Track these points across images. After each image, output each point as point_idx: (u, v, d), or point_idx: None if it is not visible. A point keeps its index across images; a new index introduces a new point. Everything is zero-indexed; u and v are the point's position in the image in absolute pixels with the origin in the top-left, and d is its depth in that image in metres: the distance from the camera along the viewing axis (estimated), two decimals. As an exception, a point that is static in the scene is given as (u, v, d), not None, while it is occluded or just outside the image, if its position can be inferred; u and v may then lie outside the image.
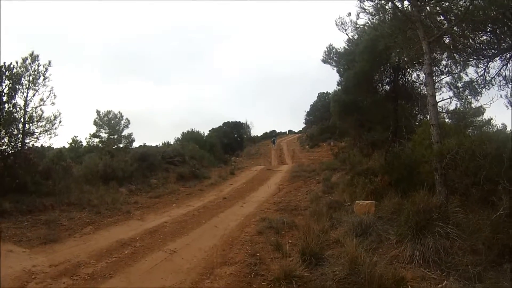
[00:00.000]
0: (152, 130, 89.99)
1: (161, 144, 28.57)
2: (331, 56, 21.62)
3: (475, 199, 6.55)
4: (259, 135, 60.02)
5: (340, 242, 6.44)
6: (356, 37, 18.15)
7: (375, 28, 13.71)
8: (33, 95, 11.34)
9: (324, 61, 21.93)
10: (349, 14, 13.87)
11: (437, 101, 8.03)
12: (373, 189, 9.13)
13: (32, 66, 11.31)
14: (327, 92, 46.05)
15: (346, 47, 19.74)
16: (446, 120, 11.85)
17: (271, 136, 57.69)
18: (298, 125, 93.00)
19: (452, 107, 12.61)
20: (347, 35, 18.17)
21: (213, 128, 41.84)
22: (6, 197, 9.09)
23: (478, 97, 10.25)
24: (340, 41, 53.29)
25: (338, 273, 5.07)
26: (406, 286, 4.55)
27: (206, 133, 36.30)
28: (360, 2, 10.17)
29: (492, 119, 15.78)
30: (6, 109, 10.08)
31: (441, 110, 9.80)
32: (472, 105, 11.03)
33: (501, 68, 9.18)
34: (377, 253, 5.81)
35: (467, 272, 4.76)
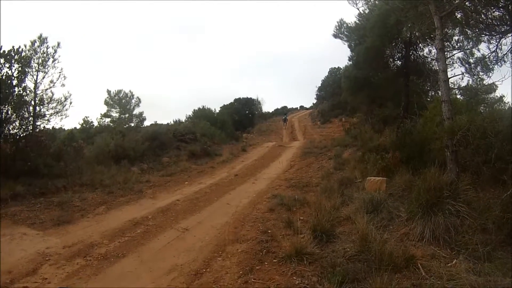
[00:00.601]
0: (163, 108, 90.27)
1: (172, 122, 28.60)
2: (342, 31, 21.28)
3: (486, 178, 6.51)
4: (270, 111, 59.52)
5: (351, 219, 6.46)
6: (367, 11, 17.92)
7: (386, 2, 13.50)
8: (43, 78, 11.47)
9: (335, 35, 21.59)
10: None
11: (449, 77, 7.92)
12: (384, 166, 9.09)
13: (41, 49, 11.37)
14: (338, 67, 45.55)
15: (357, 21, 19.46)
16: (458, 96, 11.73)
17: (283, 112, 56.73)
18: (309, 100, 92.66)
19: (464, 83, 12.51)
20: (358, 9, 18.01)
21: (224, 105, 41.67)
22: (19, 180, 9.18)
23: (490, 74, 10.15)
24: (351, 16, 52.56)
25: (348, 250, 5.10)
26: (416, 264, 4.55)
27: (217, 110, 36.22)
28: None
29: (504, 96, 15.67)
30: (16, 92, 10.12)
31: (452, 86, 9.70)
32: (484, 81, 10.95)
33: (513, 45, 9.01)
34: (387, 231, 5.83)
35: (476, 251, 4.76)
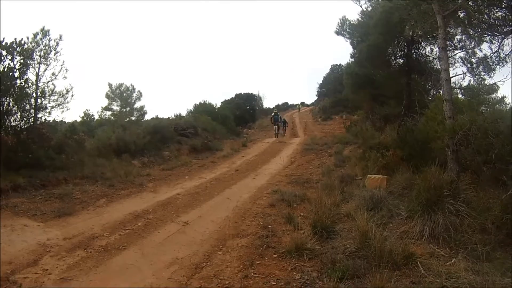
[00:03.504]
0: (164, 102, 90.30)
1: (173, 116, 28.57)
2: (345, 28, 21.22)
3: (486, 178, 6.55)
4: (271, 107, 59.48)
5: (351, 216, 6.50)
6: (370, 9, 17.85)
7: (389, 0, 13.47)
8: (45, 70, 11.34)
9: (338, 33, 21.53)
10: (364, -16, 13.63)
11: (451, 76, 7.93)
12: (385, 164, 9.12)
13: (43, 41, 11.28)
14: (340, 64, 45.64)
15: (360, 19, 19.39)
16: (459, 96, 11.71)
17: (284, 108, 56.42)
18: (310, 97, 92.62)
19: (465, 83, 12.44)
20: (361, 6, 17.90)
21: (225, 100, 41.63)
22: (20, 172, 9.16)
23: (492, 74, 10.11)
24: (353, 13, 52.55)
25: (348, 247, 5.15)
26: (415, 262, 4.59)
27: (219, 105, 36.21)
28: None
29: (505, 97, 15.59)
30: (18, 84, 10.06)
31: (454, 85, 9.67)
32: (486, 81, 10.91)
33: (516, 46, 8.99)
34: (387, 228, 5.88)
35: (475, 250, 4.80)
